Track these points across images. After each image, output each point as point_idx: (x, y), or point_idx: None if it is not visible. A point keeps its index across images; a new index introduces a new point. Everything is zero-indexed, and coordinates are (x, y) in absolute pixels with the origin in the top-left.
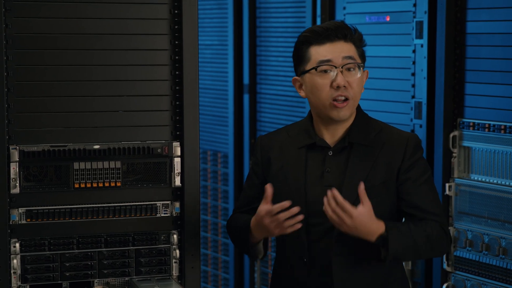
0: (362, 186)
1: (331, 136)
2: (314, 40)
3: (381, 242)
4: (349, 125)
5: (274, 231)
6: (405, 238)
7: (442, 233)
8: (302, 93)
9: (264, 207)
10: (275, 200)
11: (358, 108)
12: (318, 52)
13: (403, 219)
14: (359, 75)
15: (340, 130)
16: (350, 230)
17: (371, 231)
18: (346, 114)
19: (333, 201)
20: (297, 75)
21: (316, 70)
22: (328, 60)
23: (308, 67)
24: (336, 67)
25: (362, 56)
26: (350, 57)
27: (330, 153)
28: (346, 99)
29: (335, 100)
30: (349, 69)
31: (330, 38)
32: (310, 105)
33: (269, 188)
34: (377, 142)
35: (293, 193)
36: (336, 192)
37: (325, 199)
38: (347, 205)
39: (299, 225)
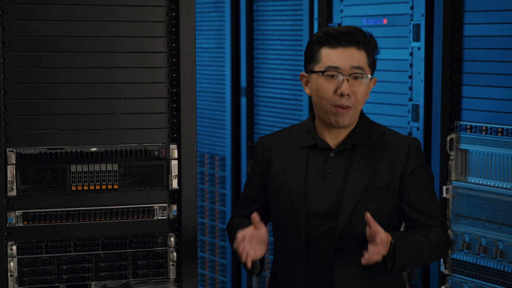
0: (368, 215)
1: (333, 138)
2: (326, 42)
3: (389, 252)
4: (351, 128)
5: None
6: (411, 248)
7: (444, 239)
8: (307, 90)
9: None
10: (276, 201)
11: (361, 111)
12: (328, 56)
13: (403, 223)
14: (365, 84)
15: (342, 133)
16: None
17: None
18: (345, 121)
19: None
20: (305, 72)
21: (323, 74)
22: (336, 67)
23: (317, 68)
24: (343, 75)
25: (373, 64)
26: (358, 67)
27: (332, 154)
28: (348, 107)
29: (336, 106)
30: (356, 78)
31: (343, 43)
32: (313, 104)
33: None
34: (379, 144)
35: (294, 193)
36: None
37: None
38: (381, 232)
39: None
